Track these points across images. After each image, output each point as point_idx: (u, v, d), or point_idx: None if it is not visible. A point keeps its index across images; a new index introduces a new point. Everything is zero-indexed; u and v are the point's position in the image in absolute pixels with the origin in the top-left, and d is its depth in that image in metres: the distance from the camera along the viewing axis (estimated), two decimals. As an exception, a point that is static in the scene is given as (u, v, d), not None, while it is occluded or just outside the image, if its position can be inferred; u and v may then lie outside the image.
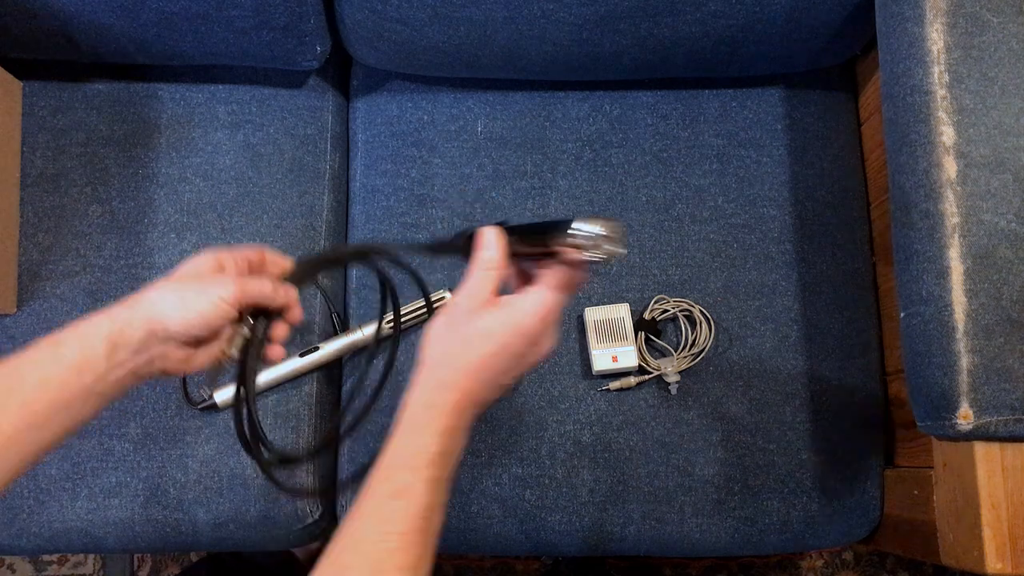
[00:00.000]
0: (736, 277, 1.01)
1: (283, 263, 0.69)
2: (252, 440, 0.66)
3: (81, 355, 0.54)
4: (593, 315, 0.97)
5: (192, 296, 0.57)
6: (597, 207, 1.03)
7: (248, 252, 0.66)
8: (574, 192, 1.04)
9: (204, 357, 0.62)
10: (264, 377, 0.96)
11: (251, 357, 0.62)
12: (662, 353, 0.98)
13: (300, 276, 0.69)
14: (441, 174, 1.05)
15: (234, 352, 0.63)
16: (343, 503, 0.99)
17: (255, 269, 0.66)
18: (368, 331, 0.98)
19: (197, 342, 0.60)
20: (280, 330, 0.67)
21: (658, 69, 1.03)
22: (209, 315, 0.57)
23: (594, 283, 1.01)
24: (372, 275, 1.03)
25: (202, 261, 0.61)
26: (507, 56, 0.99)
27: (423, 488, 0.52)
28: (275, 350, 0.67)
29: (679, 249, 1.02)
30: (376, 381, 0.90)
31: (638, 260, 1.02)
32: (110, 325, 0.55)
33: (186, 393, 0.97)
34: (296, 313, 0.67)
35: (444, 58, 1.00)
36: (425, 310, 0.96)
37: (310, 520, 0.97)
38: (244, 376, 0.63)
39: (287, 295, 0.65)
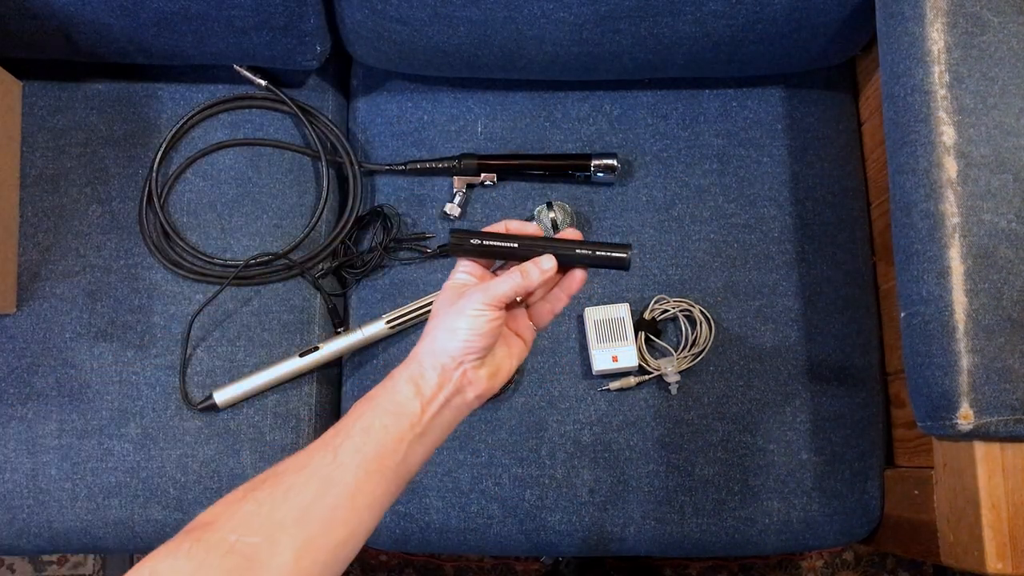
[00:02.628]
0: (736, 277, 1.01)
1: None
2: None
3: (394, 400, 0.59)
4: (593, 315, 0.97)
5: (452, 320, 0.60)
6: (596, 207, 1.03)
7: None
8: (574, 192, 1.04)
9: (505, 373, 0.64)
10: (264, 377, 0.96)
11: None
12: (662, 353, 0.98)
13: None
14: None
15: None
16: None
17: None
18: (368, 331, 0.98)
19: (489, 351, 0.62)
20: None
21: (658, 69, 1.03)
22: (477, 328, 0.60)
23: (594, 283, 1.01)
24: (373, 274, 1.03)
25: (450, 288, 0.64)
26: (507, 56, 0.99)
27: None
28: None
29: (679, 249, 1.02)
30: None
31: (638, 260, 1.02)
32: (407, 370, 0.61)
33: (186, 393, 0.97)
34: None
35: (444, 58, 1.00)
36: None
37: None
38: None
39: (540, 270, 0.63)
